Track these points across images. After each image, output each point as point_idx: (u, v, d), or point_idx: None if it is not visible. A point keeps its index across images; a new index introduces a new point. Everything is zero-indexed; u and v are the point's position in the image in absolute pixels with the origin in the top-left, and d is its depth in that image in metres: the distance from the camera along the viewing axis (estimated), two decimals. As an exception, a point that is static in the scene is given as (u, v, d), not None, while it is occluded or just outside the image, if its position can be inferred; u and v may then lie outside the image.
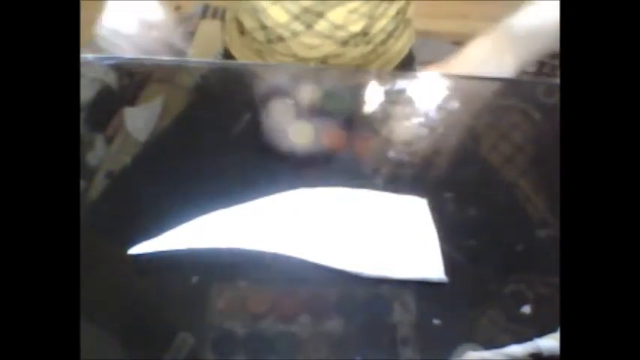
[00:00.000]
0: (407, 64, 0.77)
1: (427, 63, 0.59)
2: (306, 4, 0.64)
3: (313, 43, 0.68)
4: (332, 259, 0.40)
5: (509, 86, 0.58)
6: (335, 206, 0.43)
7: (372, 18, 0.67)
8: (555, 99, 0.54)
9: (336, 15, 0.65)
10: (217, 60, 0.81)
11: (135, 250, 0.41)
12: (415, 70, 0.76)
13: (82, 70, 0.53)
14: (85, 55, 0.54)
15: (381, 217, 0.43)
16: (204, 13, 1.72)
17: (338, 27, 0.67)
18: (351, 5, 0.65)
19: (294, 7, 0.65)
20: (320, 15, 0.65)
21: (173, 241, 0.41)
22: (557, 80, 0.44)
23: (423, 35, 0.81)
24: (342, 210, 0.43)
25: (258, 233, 0.42)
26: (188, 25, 1.61)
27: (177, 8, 1.60)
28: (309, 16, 0.65)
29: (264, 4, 0.66)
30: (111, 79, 0.54)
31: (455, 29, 1.41)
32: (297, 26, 0.67)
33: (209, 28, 1.62)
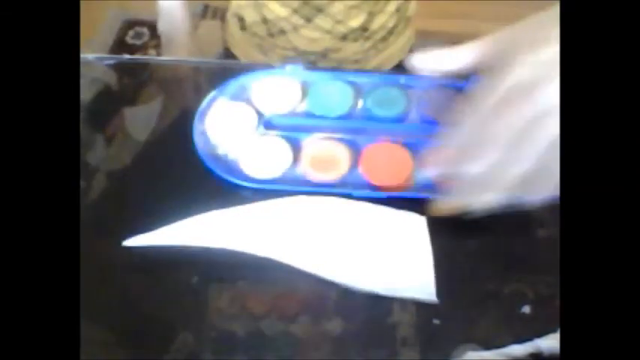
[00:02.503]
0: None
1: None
2: None
3: (313, 37, 0.69)
4: (324, 269, 0.40)
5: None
6: (332, 216, 0.43)
7: (370, 14, 0.68)
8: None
9: (336, 10, 0.66)
10: (217, 60, 0.81)
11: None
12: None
13: (82, 70, 0.53)
14: (85, 55, 0.54)
15: (377, 232, 0.42)
16: (204, 13, 1.72)
17: (338, 22, 0.67)
18: (351, 1, 0.66)
19: (294, 1, 0.66)
20: (320, 9, 0.66)
21: (173, 241, 0.41)
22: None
23: (423, 35, 0.81)
24: (338, 221, 0.42)
25: (254, 237, 0.41)
26: (188, 25, 1.61)
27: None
28: (309, 10, 0.66)
29: None
30: (111, 79, 0.54)
31: (455, 29, 1.41)
32: (297, 20, 0.67)
33: (209, 28, 1.62)
